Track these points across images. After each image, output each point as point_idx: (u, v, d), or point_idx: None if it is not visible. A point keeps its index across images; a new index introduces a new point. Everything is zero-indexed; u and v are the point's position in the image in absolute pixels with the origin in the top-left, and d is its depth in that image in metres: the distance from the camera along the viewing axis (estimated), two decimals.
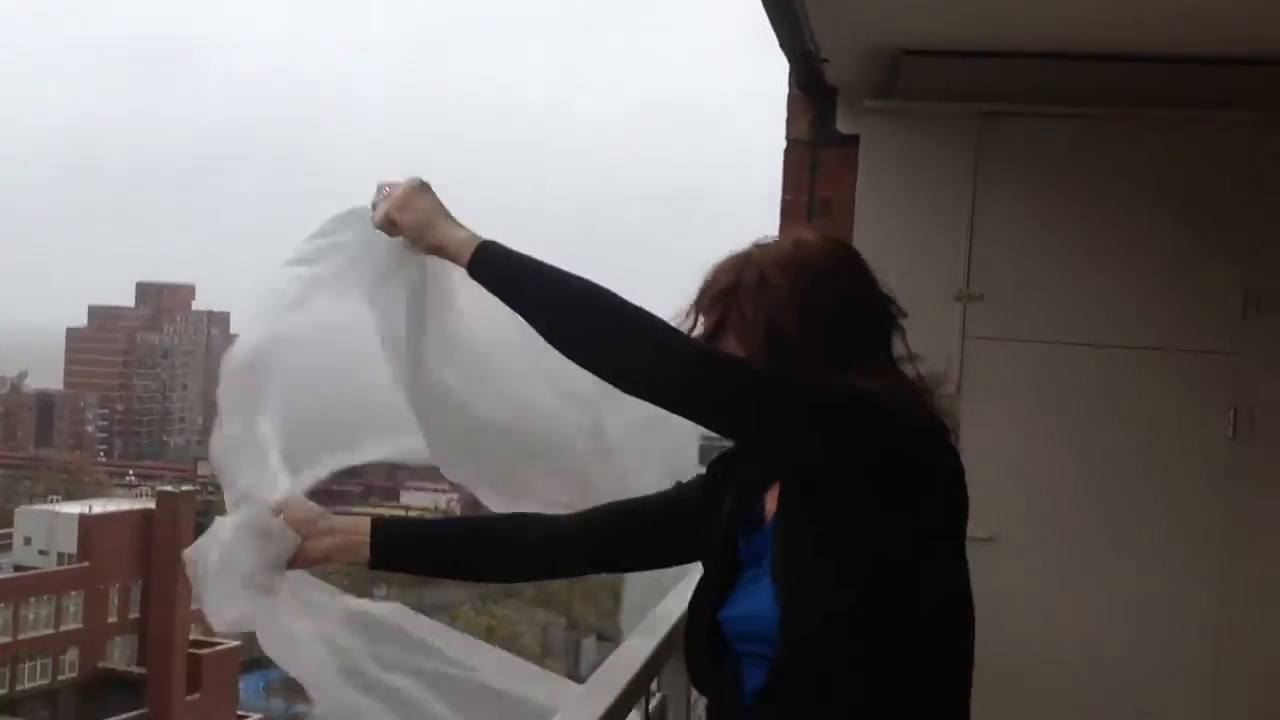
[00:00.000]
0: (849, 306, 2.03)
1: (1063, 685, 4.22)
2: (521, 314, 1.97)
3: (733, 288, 2.04)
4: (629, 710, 2.10)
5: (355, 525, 2.18)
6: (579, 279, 1.96)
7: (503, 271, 2.00)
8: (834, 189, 4.54)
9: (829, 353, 1.98)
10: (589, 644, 46.80)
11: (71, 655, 45.91)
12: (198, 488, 64.57)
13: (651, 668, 2.21)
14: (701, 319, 2.05)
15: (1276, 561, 4.20)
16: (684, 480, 2.23)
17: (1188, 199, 4.28)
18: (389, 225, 2.11)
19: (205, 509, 62.57)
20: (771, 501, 2.03)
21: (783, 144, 4.63)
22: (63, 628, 45.68)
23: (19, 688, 44.42)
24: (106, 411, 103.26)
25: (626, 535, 2.20)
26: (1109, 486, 4.30)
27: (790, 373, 1.94)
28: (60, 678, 45.69)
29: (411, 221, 2.09)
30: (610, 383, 1.94)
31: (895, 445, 1.90)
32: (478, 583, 2.62)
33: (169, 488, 54.94)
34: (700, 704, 2.65)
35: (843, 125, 4.51)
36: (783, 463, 1.99)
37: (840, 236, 2.16)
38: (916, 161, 4.36)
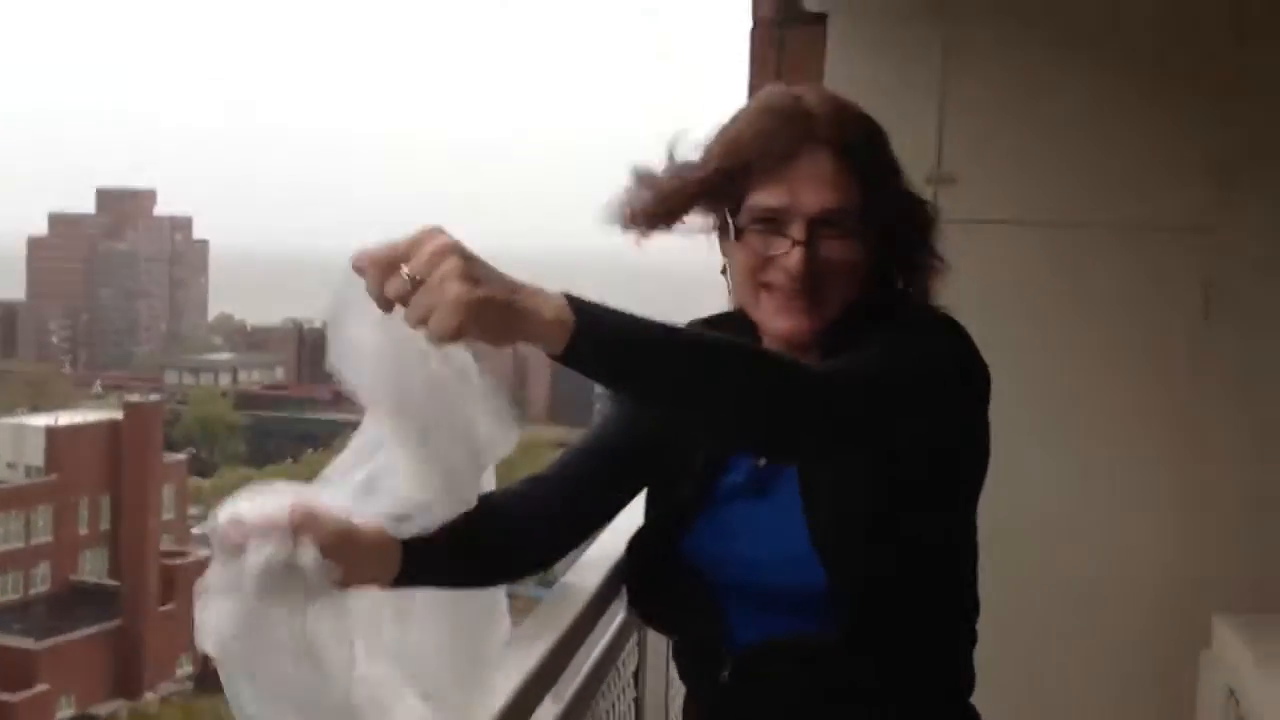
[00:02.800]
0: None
1: (1035, 563, 4.20)
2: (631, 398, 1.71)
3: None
4: (610, 603, 2.06)
5: (382, 545, 1.68)
6: (680, 341, 1.58)
7: (602, 358, 1.54)
8: (801, 71, 4.44)
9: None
10: None
11: (43, 569, 46.01)
12: (164, 397, 64.57)
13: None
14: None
15: (1243, 446, 4.17)
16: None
17: (1161, 63, 4.19)
18: (451, 335, 1.44)
19: (172, 418, 62.56)
20: None
21: (748, 25, 4.52)
22: (33, 541, 45.73)
23: None
24: (70, 321, 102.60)
25: (600, 496, 1.99)
26: (1084, 370, 4.25)
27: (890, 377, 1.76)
28: (32, 591, 45.82)
29: (492, 320, 1.45)
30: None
31: (971, 418, 1.92)
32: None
33: (136, 398, 54.75)
34: None
35: (810, 3, 4.41)
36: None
37: None
38: (885, 37, 4.25)
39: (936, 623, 1.91)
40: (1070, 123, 4.22)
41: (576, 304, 1.49)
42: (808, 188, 1.82)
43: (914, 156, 4.08)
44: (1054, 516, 4.22)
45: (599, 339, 1.50)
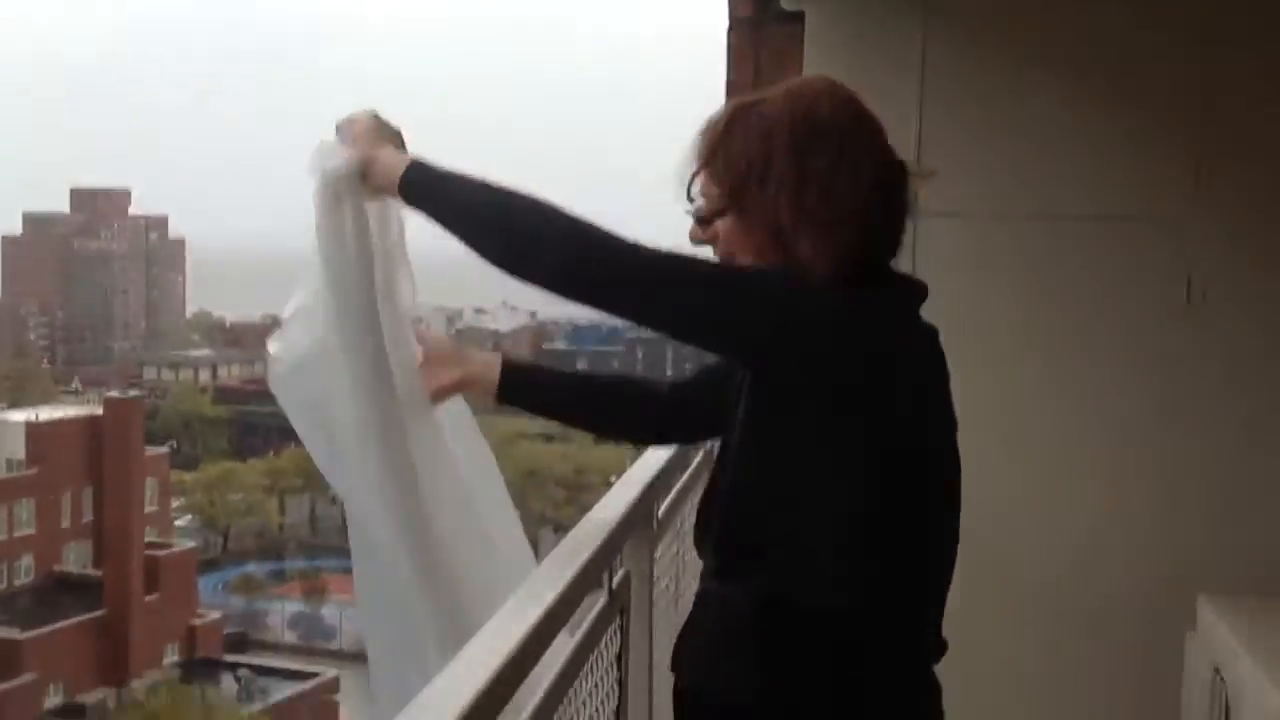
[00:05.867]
0: (858, 170, 2.00)
1: (1019, 563, 4.24)
2: (449, 229, 1.99)
3: (720, 138, 2.02)
4: (592, 585, 2.08)
5: (488, 360, 2.33)
6: (501, 188, 1.98)
7: (429, 191, 2.03)
8: (779, 70, 4.47)
9: (831, 230, 1.95)
10: (546, 534, 47.03)
11: (26, 560, 45.82)
12: (144, 393, 64.23)
13: (614, 542, 2.19)
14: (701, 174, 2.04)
15: (1224, 432, 4.22)
16: None
17: (1136, 65, 4.24)
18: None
19: (153, 412, 62.24)
20: None
21: (725, 25, 4.54)
22: (16, 534, 45.53)
23: None
24: (48, 319, 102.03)
25: (708, 406, 2.21)
26: (1064, 360, 4.29)
27: (724, 277, 1.96)
28: (16, 583, 45.61)
29: (372, 171, 2.08)
30: (530, 283, 1.95)
31: (827, 369, 1.89)
32: (586, 432, 2.84)
33: (115, 393, 54.51)
34: (664, 580, 2.67)
35: (787, 3, 4.43)
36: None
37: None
38: (863, 36, 4.29)
39: (814, 573, 1.91)
40: (1050, 118, 4.26)
41: (413, 168, 2.03)
42: None
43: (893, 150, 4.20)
44: (1036, 504, 4.27)
45: (421, 194, 2.03)
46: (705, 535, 2.06)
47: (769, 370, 1.91)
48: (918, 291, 2.03)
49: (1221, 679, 3.36)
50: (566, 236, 1.92)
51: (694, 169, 2.03)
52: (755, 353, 1.92)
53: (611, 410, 2.40)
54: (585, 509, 2.32)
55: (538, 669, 1.76)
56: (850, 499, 1.91)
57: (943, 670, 2.03)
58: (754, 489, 1.93)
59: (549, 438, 57.38)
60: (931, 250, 4.20)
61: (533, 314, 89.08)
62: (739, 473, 1.94)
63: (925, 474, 1.97)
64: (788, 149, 1.96)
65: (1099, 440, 4.28)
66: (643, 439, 2.55)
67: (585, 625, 2.06)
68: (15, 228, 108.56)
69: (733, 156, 1.99)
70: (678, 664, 2.07)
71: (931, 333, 2.01)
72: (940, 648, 2.02)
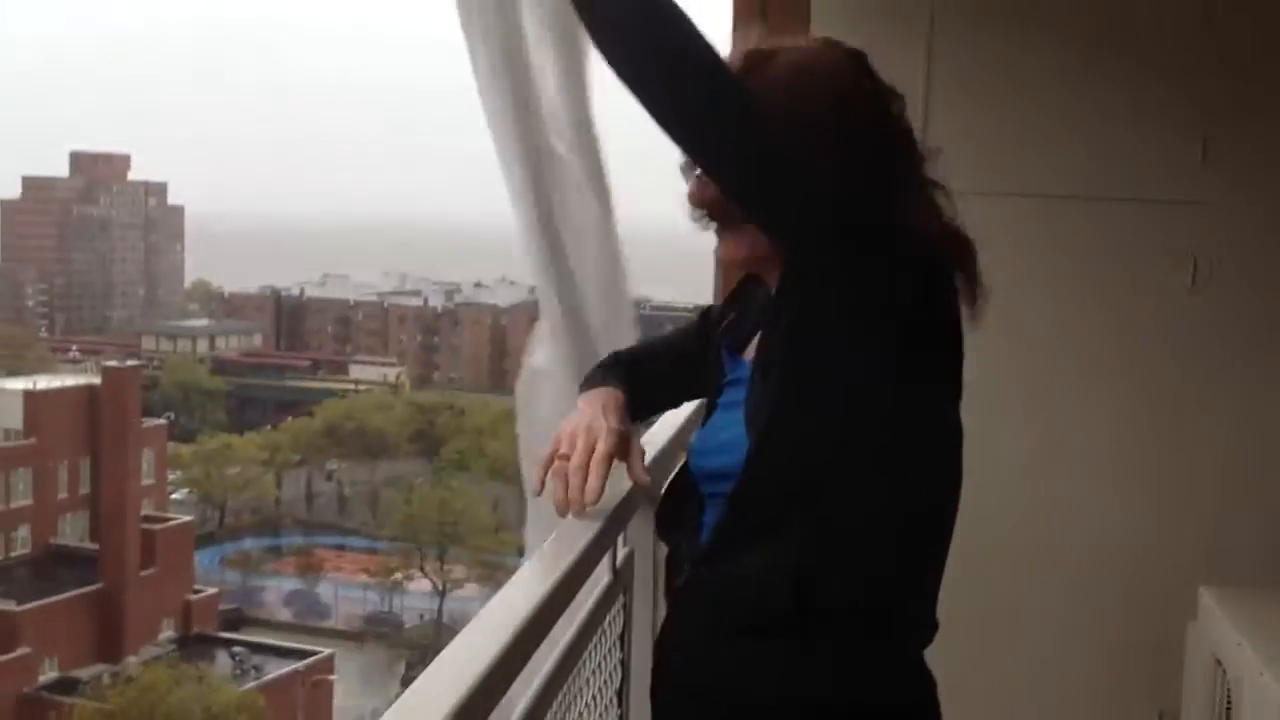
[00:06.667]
0: (859, 126, 1.90)
1: (1018, 551, 4.21)
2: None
3: None
4: (596, 564, 2.05)
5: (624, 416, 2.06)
6: None
7: None
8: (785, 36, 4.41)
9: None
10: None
11: (23, 532, 45.80)
12: (143, 362, 64.17)
13: (619, 520, 2.15)
14: None
15: (1228, 420, 4.19)
16: None
17: (1144, 44, 4.20)
18: None
19: (150, 383, 62.15)
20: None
21: None
22: (12, 504, 45.50)
23: None
24: (46, 285, 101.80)
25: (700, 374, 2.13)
26: (1068, 343, 4.26)
27: (803, 158, 1.79)
28: (13, 554, 45.61)
29: None
30: (632, 90, 1.73)
31: (887, 269, 1.82)
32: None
33: (114, 363, 54.43)
34: None
35: None
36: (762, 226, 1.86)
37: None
38: (872, 5, 4.24)
39: (856, 532, 1.80)
40: (1055, 97, 4.22)
41: None
42: None
43: None
44: (1034, 492, 4.24)
45: None
46: (683, 520, 1.97)
47: (829, 305, 1.79)
48: None
49: (1222, 669, 3.34)
50: (701, 53, 1.72)
51: None
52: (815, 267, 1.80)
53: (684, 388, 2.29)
54: None
55: (540, 649, 1.72)
56: (895, 470, 1.82)
57: (939, 660, 1.97)
58: (787, 458, 1.79)
59: None
60: None
61: (532, 289, 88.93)
62: (766, 440, 1.79)
63: (958, 449, 1.91)
64: (804, 119, 1.84)
65: (1101, 427, 4.25)
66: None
67: (589, 605, 2.03)
68: (14, 192, 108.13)
69: None
70: (673, 662, 1.92)
71: None
72: (934, 630, 1.94)
